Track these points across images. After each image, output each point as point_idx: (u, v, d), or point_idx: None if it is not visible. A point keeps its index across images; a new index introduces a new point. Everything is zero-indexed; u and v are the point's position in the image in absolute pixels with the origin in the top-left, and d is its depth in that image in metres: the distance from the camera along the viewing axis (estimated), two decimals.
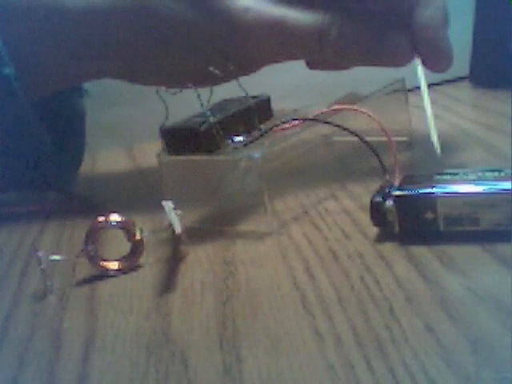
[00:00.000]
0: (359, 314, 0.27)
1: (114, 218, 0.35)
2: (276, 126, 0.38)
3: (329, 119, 0.38)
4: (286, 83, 0.52)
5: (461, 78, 0.63)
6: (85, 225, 0.35)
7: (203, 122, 0.36)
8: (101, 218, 0.35)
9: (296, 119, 0.38)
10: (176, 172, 0.40)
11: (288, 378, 0.24)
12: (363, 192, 0.39)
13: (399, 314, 0.26)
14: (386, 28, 0.40)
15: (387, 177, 0.35)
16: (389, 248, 0.32)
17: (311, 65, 0.46)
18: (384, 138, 0.37)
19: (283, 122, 0.38)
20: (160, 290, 0.33)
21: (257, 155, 0.35)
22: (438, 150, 0.39)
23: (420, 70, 0.40)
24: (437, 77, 0.65)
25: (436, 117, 0.54)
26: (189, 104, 0.36)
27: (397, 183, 0.34)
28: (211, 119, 0.36)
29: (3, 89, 0.41)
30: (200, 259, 0.35)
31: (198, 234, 0.38)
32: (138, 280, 0.34)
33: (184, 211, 0.35)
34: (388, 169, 0.35)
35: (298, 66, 0.50)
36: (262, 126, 0.39)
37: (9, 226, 0.47)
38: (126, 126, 0.63)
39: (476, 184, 0.31)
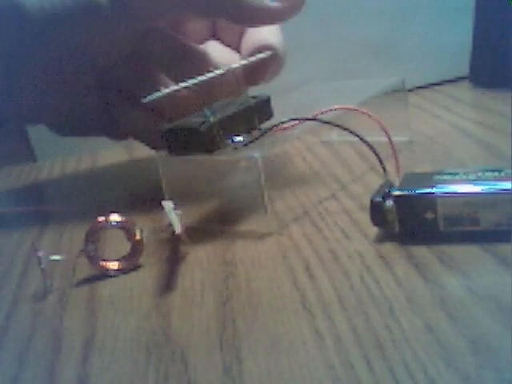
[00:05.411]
0: (359, 314, 0.27)
1: (114, 218, 0.35)
2: (276, 126, 0.38)
3: (329, 119, 0.38)
4: (286, 83, 0.53)
5: (461, 78, 0.63)
6: (85, 225, 0.35)
7: (203, 122, 0.36)
8: (101, 218, 0.35)
9: (296, 119, 0.38)
10: (176, 172, 0.40)
11: (288, 377, 0.24)
12: (363, 192, 0.39)
13: (399, 314, 0.26)
14: None
15: (387, 177, 0.35)
16: (389, 248, 0.32)
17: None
18: (384, 138, 0.37)
19: (283, 122, 0.38)
20: (160, 290, 0.33)
21: (257, 155, 0.35)
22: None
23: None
24: (437, 77, 0.65)
25: (436, 117, 0.54)
26: None
27: (397, 183, 0.34)
28: (211, 119, 0.36)
29: None
30: (200, 259, 0.35)
31: (198, 234, 0.38)
32: (138, 280, 0.34)
33: (184, 211, 0.35)
34: (388, 169, 0.35)
35: (299, 67, 0.50)
36: (262, 126, 0.39)
37: (9, 226, 0.47)
38: None
39: (476, 184, 0.31)
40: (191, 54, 0.40)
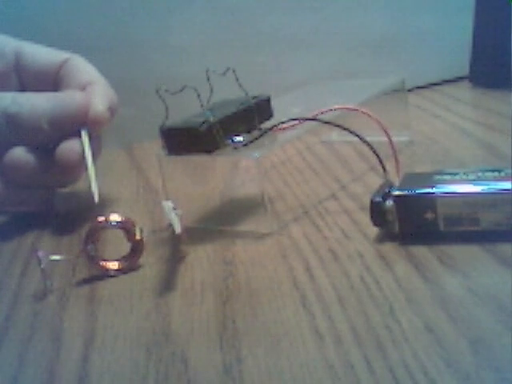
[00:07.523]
0: (359, 314, 0.27)
1: (114, 217, 0.35)
2: (276, 126, 0.38)
3: (329, 119, 0.38)
4: (286, 83, 0.53)
5: (461, 78, 0.63)
6: (85, 225, 0.35)
7: (203, 122, 0.36)
8: (101, 218, 0.35)
9: (296, 119, 0.38)
10: (176, 172, 0.40)
11: (288, 378, 0.24)
12: (363, 192, 0.39)
13: (399, 314, 0.26)
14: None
15: (387, 177, 0.35)
16: (389, 248, 0.32)
17: None
18: (384, 138, 0.37)
19: (283, 122, 0.38)
20: (160, 290, 0.33)
21: (257, 155, 0.35)
22: (96, 198, 0.41)
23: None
24: (437, 77, 0.65)
25: (436, 117, 0.54)
26: (189, 104, 0.36)
27: (397, 183, 0.34)
28: (211, 119, 0.36)
29: None
30: (200, 259, 0.35)
31: (198, 234, 0.38)
32: (138, 280, 0.34)
33: (184, 211, 0.35)
34: (388, 169, 0.35)
35: (299, 67, 0.50)
36: (262, 126, 0.39)
37: (9, 226, 0.47)
38: (125, 126, 0.63)
39: (476, 184, 0.31)
40: None
